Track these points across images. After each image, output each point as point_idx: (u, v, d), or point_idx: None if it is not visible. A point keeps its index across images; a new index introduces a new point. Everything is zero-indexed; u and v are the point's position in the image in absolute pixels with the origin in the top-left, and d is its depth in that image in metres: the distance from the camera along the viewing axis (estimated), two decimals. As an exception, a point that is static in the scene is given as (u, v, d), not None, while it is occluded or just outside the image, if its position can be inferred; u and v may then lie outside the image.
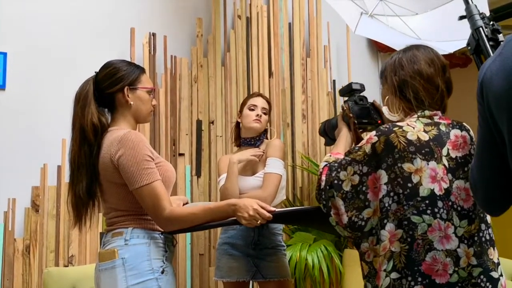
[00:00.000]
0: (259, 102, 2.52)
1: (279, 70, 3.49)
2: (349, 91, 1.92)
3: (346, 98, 1.95)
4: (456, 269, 1.40)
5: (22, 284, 2.60)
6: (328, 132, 2.03)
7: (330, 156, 1.68)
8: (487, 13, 1.46)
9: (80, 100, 1.77)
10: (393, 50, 4.02)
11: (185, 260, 3.05)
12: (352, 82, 1.92)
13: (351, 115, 1.80)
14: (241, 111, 2.56)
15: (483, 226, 1.46)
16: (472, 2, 1.50)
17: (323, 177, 1.58)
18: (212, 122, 3.28)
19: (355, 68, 3.85)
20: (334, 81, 3.72)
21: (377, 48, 4.03)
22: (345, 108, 1.83)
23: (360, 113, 1.82)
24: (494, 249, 1.47)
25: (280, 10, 3.54)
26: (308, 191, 3.42)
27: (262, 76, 3.44)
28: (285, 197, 2.62)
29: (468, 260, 1.41)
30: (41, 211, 2.71)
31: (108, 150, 1.68)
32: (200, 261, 3.11)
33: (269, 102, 2.57)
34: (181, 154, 3.16)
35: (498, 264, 1.46)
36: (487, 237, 1.46)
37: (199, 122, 3.24)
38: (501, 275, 1.45)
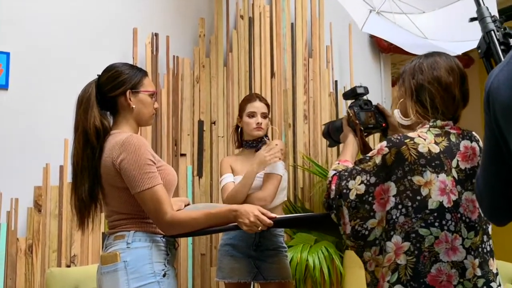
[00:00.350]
0: (258, 107, 2.51)
1: (281, 71, 3.50)
2: (353, 95, 1.91)
3: (349, 101, 1.95)
4: (461, 280, 1.41)
5: (25, 284, 2.61)
6: (332, 134, 2.03)
7: (339, 164, 1.68)
8: (496, 13, 1.43)
9: (82, 103, 1.78)
10: (396, 50, 4.02)
11: (187, 260, 3.06)
12: (356, 86, 1.91)
13: (357, 121, 1.80)
14: (240, 115, 2.56)
15: (485, 238, 1.48)
16: (484, 4, 1.47)
17: (333, 187, 1.57)
18: (214, 123, 3.29)
19: (357, 68, 3.86)
20: (336, 81, 3.72)
21: (379, 48, 4.03)
22: (351, 115, 1.83)
23: (365, 118, 1.82)
24: (493, 259, 1.49)
25: (283, 11, 3.55)
26: (309, 192, 3.43)
27: (264, 77, 3.44)
28: (286, 198, 2.63)
29: (473, 271, 1.42)
30: (43, 211, 2.72)
31: (110, 154, 1.69)
32: (201, 261, 3.12)
33: (267, 104, 2.57)
34: (182, 155, 3.16)
35: (497, 274, 1.48)
36: (488, 248, 1.48)
37: (200, 123, 3.24)
38: (499, 285, 1.46)
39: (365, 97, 1.89)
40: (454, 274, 1.40)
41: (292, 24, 3.59)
